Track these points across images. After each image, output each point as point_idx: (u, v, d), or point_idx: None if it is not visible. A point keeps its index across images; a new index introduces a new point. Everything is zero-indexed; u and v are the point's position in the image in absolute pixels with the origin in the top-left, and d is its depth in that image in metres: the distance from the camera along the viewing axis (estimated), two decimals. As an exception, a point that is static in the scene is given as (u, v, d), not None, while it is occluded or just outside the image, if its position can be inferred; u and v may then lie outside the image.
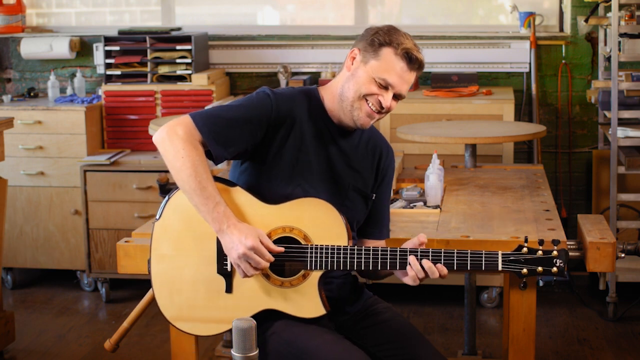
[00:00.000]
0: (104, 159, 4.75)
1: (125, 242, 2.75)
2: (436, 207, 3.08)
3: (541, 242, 2.37)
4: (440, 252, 2.37)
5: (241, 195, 2.44)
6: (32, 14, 5.62)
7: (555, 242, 2.38)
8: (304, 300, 2.41)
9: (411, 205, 3.12)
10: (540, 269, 2.35)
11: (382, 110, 2.46)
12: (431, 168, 3.17)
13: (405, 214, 3.02)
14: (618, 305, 4.49)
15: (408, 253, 2.38)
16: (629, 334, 4.29)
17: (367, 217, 2.61)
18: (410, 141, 3.98)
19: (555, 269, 2.35)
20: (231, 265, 2.42)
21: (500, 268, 2.35)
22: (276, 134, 2.45)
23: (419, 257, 2.36)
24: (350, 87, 2.47)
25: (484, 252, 2.36)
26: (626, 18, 4.36)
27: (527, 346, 2.73)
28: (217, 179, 2.45)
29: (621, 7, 4.36)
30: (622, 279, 4.57)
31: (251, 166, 2.49)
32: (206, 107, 2.48)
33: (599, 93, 4.63)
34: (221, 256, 2.43)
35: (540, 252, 2.36)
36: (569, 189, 5.14)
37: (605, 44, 4.82)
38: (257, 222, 2.42)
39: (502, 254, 2.36)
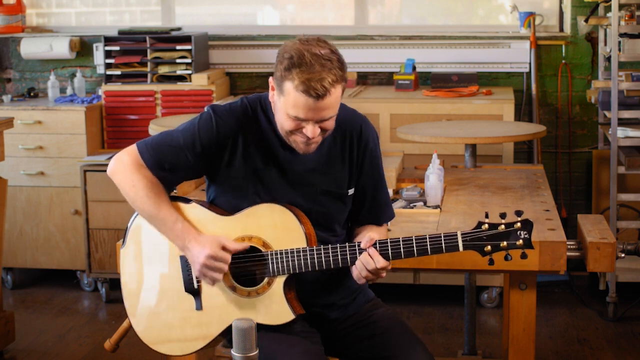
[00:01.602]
0: (104, 159, 4.74)
1: (125, 242, 2.75)
2: (436, 207, 3.08)
3: (503, 216, 2.29)
4: (399, 240, 2.32)
5: (197, 211, 2.45)
6: (32, 14, 5.62)
7: (519, 213, 2.30)
8: (272, 307, 2.39)
9: (411, 205, 3.12)
10: (504, 243, 2.28)
11: (312, 139, 2.33)
12: (431, 168, 3.17)
13: (405, 214, 3.02)
14: (618, 305, 4.49)
15: (367, 246, 2.33)
16: (629, 334, 4.29)
17: (359, 206, 2.54)
18: (410, 141, 3.98)
19: (520, 241, 2.27)
20: (197, 283, 2.44)
21: (461, 249, 2.29)
22: (223, 154, 2.42)
23: (377, 247, 2.32)
24: (277, 121, 2.37)
25: (442, 234, 2.30)
26: (626, 18, 4.36)
27: (527, 346, 2.73)
28: (173, 198, 2.48)
29: (621, 7, 4.36)
30: (622, 279, 4.57)
31: (212, 183, 2.50)
32: (153, 135, 2.53)
33: (599, 93, 4.63)
34: (186, 274, 2.45)
35: (502, 227, 2.29)
36: (569, 189, 5.14)
37: (605, 44, 4.82)
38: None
39: (462, 234, 2.29)
